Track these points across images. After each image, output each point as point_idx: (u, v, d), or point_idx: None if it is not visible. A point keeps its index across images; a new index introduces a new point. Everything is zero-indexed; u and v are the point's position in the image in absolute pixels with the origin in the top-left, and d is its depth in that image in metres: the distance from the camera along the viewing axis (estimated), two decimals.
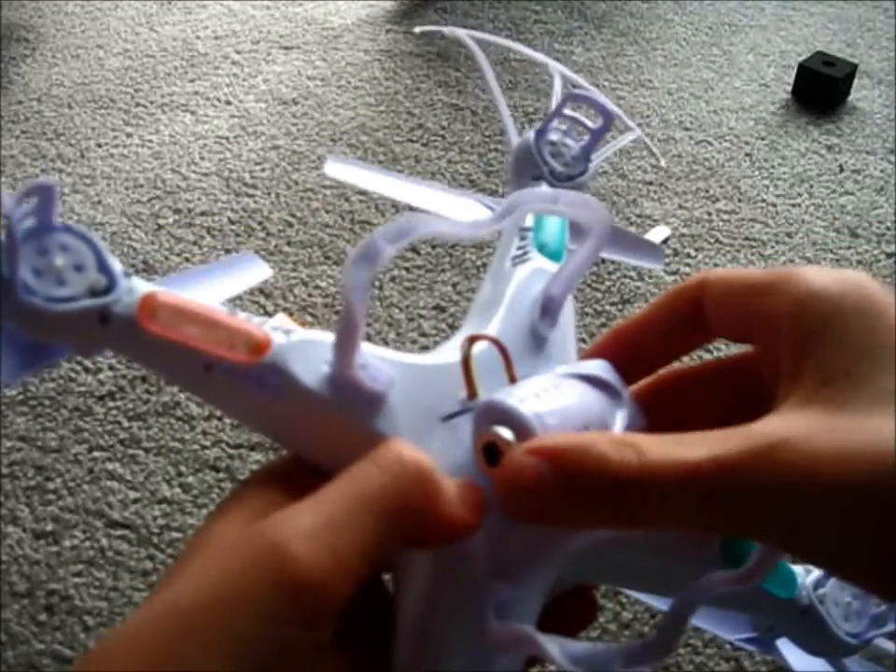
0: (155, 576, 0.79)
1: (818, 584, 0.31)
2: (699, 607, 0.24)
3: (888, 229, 1.15)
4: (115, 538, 0.82)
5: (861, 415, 0.20)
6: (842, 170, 1.23)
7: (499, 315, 0.29)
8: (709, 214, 1.16)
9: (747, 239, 1.13)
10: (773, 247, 1.12)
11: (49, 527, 0.82)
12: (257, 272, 0.34)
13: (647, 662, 0.23)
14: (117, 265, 0.25)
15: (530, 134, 0.35)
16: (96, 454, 0.88)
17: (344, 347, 0.24)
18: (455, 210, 0.36)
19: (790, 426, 0.20)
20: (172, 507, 0.84)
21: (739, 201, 1.18)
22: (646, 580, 0.30)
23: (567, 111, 0.35)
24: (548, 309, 0.29)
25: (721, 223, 1.14)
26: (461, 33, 0.38)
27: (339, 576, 0.20)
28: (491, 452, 0.23)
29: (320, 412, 0.25)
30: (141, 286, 0.26)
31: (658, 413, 0.27)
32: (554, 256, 0.32)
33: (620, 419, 0.25)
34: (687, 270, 1.08)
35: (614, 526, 0.23)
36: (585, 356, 0.28)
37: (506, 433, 0.23)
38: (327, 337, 0.26)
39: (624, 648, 0.23)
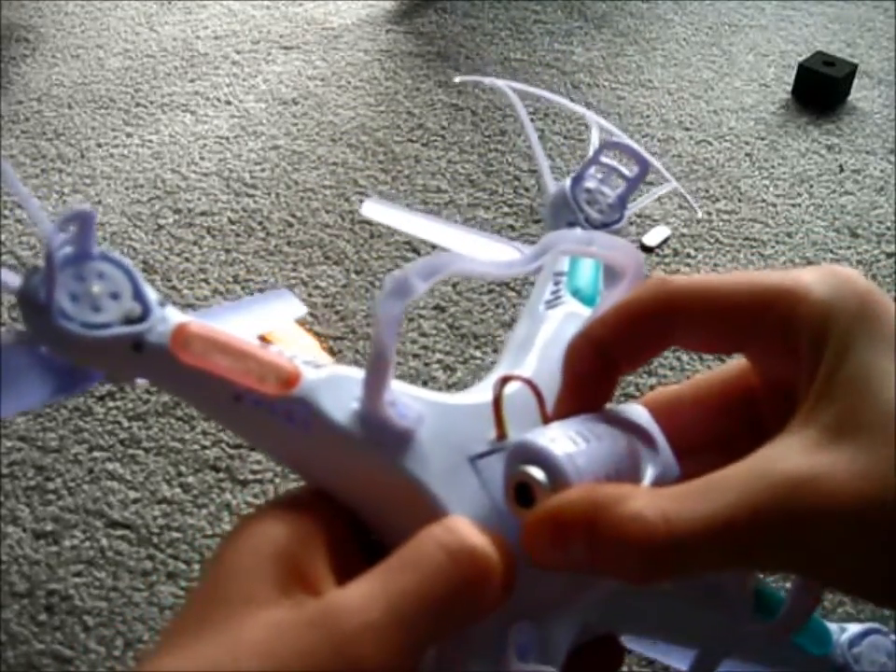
0: (155, 576, 0.79)
1: (852, 643, 0.31)
2: (729, 656, 0.24)
3: (888, 229, 1.15)
4: (115, 538, 0.82)
5: (870, 439, 0.21)
6: (842, 170, 1.23)
7: (532, 357, 0.29)
8: (709, 214, 1.16)
9: (747, 239, 1.13)
10: (773, 247, 1.12)
11: (49, 527, 0.82)
12: (291, 308, 0.34)
13: None
14: (152, 294, 0.26)
15: (566, 182, 0.35)
16: (96, 454, 0.88)
17: (374, 383, 0.24)
18: (488, 253, 0.37)
19: (807, 461, 0.21)
20: (172, 507, 0.84)
21: (739, 201, 1.18)
22: (675, 629, 0.29)
23: (604, 159, 0.35)
24: None
25: (721, 223, 1.14)
26: (501, 83, 0.38)
27: (401, 667, 0.22)
28: (522, 492, 0.23)
29: (347, 447, 0.25)
30: (175, 315, 0.26)
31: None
32: (588, 301, 0.32)
33: (651, 468, 0.25)
34: (687, 270, 1.08)
35: (642, 584, 0.23)
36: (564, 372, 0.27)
37: (538, 474, 0.23)
38: (357, 373, 0.26)
39: None
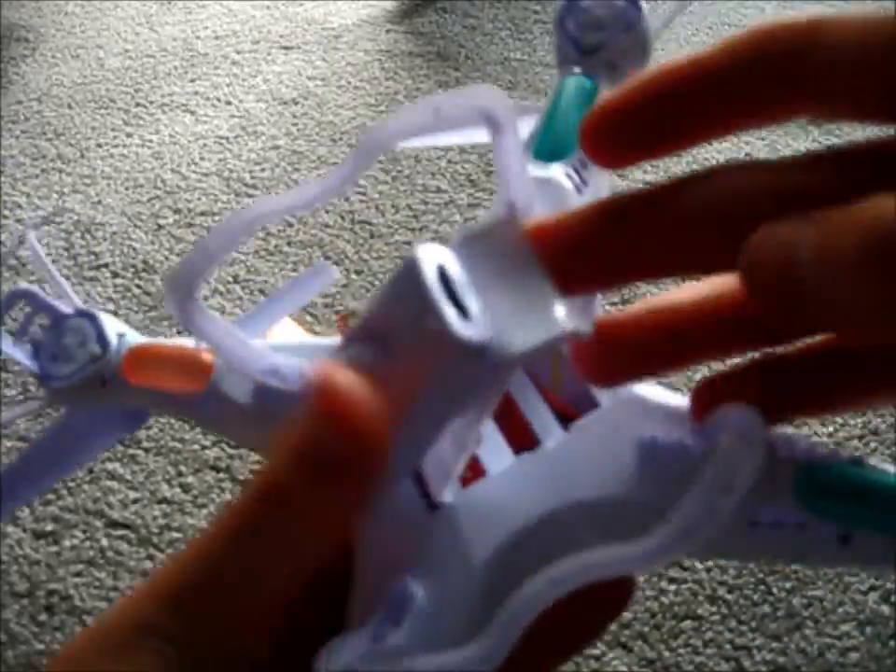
0: None
1: None
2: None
3: None
4: (115, 538, 0.82)
5: None
6: None
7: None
8: None
9: None
10: None
11: (49, 527, 0.82)
12: (326, 276, 0.35)
13: None
14: (113, 331, 0.28)
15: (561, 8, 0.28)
16: None
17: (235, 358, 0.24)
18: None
19: None
20: (172, 507, 0.84)
21: None
22: None
23: None
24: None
25: None
26: None
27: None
28: None
29: (251, 422, 0.26)
30: (126, 344, 0.28)
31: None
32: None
33: None
34: None
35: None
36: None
37: None
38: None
39: None
